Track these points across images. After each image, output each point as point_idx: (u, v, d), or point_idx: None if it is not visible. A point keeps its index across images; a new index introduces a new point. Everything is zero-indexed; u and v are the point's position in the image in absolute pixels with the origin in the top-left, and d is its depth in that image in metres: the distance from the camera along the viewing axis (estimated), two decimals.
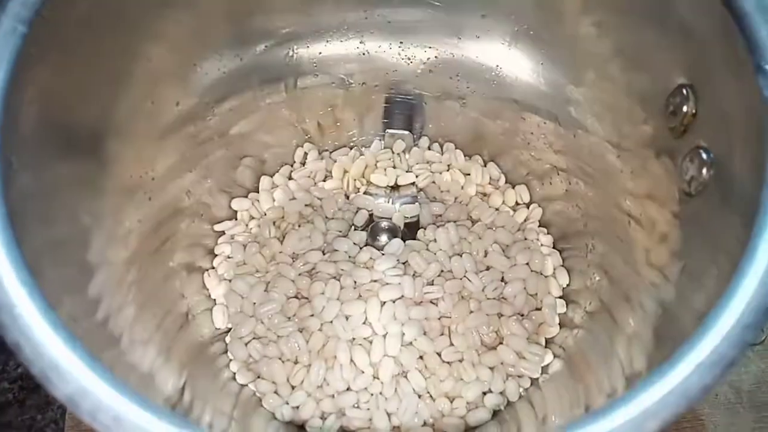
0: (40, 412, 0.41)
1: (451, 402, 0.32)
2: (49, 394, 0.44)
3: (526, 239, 0.36)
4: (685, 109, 0.24)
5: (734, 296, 0.17)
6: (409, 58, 0.36)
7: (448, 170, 0.39)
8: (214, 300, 0.35)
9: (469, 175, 0.39)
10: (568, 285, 0.35)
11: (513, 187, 0.39)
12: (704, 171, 0.23)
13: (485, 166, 0.39)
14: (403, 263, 0.35)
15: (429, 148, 0.40)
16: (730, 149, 0.22)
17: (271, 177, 0.39)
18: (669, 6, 0.23)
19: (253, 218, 0.37)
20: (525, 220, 0.37)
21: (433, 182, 0.39)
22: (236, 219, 0.37)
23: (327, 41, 0.34)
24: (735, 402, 0.37)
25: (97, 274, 0.24)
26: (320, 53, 0.35)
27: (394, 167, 0.39)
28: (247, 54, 0.32)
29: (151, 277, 0.29)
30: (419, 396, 0.32)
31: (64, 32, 0.22)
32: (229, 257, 0.36)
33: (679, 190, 0.24)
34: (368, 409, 0.31)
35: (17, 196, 0.19)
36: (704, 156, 0.23)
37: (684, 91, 0.24)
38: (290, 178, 0.39)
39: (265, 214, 0.37)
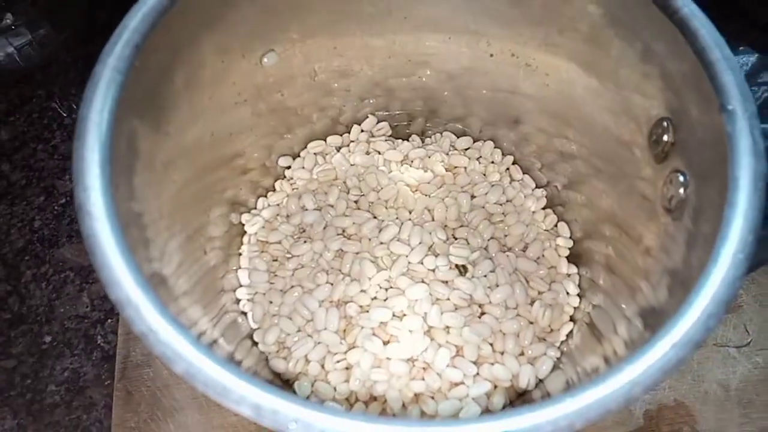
0: (86, 412, 0.42)
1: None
2: (93, 395, 0.43)
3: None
4: (665, 138, 0.27)
5: (702, 291, 0.21)
6: (423, 79, 0.39)
7: (464, 173, 0.42)
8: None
9: (485, 176, 0.42)
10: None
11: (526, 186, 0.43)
12: (681, 190, 0.26)
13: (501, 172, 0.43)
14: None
15: (447, 154, 0.43)
16: (702, 173, 0.25)
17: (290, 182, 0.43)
18: (651, 55, 0.27)
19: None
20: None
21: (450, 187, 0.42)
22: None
23: (350, 59, 0.37)
24: (724, 399, 0.40)
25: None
26: (345, 71, 0.38)
27: (415, 170, 0.42)
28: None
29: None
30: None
31: (146, 78, 0.26)
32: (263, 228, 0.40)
33: (662, 207, 0.28)
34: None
35: (122, 215, 0.23)
36: (681, 178, 0.26)
37: (665, 124, 0.27)
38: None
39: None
